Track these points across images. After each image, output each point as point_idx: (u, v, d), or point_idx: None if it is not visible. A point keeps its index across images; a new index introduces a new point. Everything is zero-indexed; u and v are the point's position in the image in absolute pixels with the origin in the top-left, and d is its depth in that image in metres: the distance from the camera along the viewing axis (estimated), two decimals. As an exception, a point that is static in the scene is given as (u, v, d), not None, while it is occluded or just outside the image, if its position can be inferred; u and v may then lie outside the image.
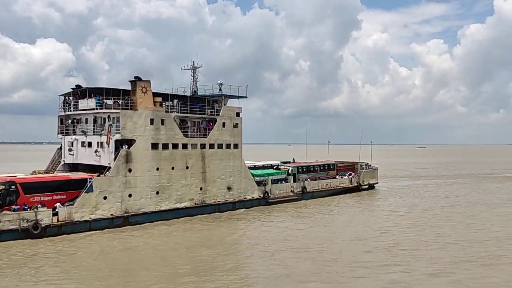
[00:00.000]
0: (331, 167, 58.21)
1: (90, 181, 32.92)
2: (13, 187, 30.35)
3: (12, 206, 29.68)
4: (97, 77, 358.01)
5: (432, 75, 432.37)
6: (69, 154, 38.24)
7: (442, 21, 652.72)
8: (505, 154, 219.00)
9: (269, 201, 45.84)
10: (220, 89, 43.96)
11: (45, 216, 29.90)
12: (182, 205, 38.50)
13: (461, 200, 50.91)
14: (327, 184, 53.92)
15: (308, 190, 50.41)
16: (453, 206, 46.42)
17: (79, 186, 33.09)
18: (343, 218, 39.45)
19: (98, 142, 36.03)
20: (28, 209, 29.69)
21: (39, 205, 30.36)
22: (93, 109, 36.50)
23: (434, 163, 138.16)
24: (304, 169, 53.88)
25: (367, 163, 63.24)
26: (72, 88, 39.06)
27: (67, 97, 39.47)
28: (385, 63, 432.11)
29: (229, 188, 42.51)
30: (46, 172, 37.96)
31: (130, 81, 36.40)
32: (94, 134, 36.68)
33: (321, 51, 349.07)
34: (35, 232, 29.13)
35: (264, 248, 28.24)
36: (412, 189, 63.17)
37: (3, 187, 30.02)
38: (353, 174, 59.30)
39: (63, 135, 39.20)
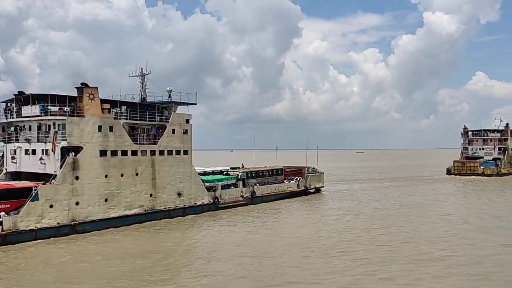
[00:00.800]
0: (279, 172, 59.74)
1: (35, 190, 32.23)
2: (-48, 197, 29.24)
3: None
4: (27, 81, 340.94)
5: (369, 83, 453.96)
6: (12, 162, 37.14)
7: (377, 31, 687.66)
8: (434, 158, 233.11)
9: (219, 206, 46.50)
10: (170, 96, 44.29)
11: (-13, 226, 29.02)
12: (132, 212, 38.39)
13: (396, 202, 53.71)
14: (275, 189, 55.33)
15: (257, 195, 51.54)
16: (388, 208, 48.75)
17: (24, 194, 32.30)
18: (288, 222, 40.61)
19: (43, 150, 35.29)
20: (-31, 220, 28.72)
21: (-19, 215, 29.40)
22: (38, 116, 35.73)
23: (373, 167, 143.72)
24: (253, 174, 55.01)
25: (314, 168, 65.37)
26: (14, 95, 38.04)
27: (9, 104, 38.32)
28: (325, 70, 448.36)
29: (179, 194, 42.80)
30: (-13, 181, 36.63)
31: (76, 88, 35.99)
32: (38, 142, 35.88)
33: (263, 58, 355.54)
34: (-24, 243, 28.23)
35: (205, 255, 28.38)
36: (355, 192, 66.00)
37: None
38: (300, 178, 61.14)
39: (5, 143, 37.99)
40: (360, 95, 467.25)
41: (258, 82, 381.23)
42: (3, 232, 29.95)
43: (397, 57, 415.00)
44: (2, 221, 30.04)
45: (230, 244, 31.46)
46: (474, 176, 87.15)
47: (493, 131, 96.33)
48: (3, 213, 30.55)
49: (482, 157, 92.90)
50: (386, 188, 71.42)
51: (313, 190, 62.56)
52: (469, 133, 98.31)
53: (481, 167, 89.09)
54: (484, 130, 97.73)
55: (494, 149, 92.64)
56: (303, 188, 60.02)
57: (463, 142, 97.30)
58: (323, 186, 65.37)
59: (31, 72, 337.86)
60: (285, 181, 58.83)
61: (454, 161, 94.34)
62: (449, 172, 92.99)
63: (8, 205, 31.73)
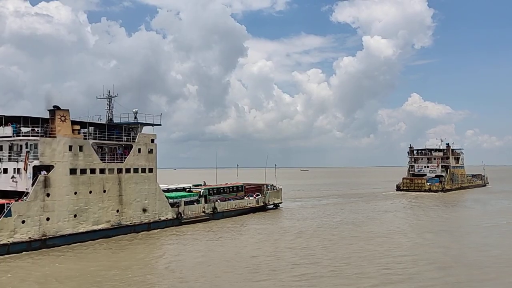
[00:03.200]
0: (240, 188, 63.09)
1: (8, 206, 34.09)
2: None
3: None
4: None
5: (312, 102, 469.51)
6: (-17, 180, 38.65)
7: (320, 52, 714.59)
8: (378, 175, 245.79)
9: (182, 221, 49.19)
10: (135, 117, 47.04)
11: (-38, 241, 30.70)
12: (99, 227, 40.58)
13: (341, 218, 57.55)
14: (236, 205, 58.56)
15: (218, 210, 54.57)
16: (341, 224, 52.36)
17: (-4, 211, 34.08)
18: (244, 240, 41.63)
19: (14, 169, 37.19)
20: None
21: (-44, 231, 31.02)
22: (10, 136, 37.70)
23: (322, 184, 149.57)
24: (215, 191, 58.08)
25: (272, 185, 69.18)
26: (-15, 116, 39.73)
27: (-20, 125, 39.96)
28: (269, 89, 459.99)
29: (144, 210, 45.29)
30: (-42, 199, 37.92)
31: (49, 110, 38.27)
32: (10, 161, 37.74)
33: (209, 76, 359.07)
34: (-48, 257, 29.86)
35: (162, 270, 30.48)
36: (309, 208, 69.50)
37: None
38: (259, 195, 64.65)
39: (-25, 162, 39.47)
40: (304, 114, 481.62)
41: (204, 100, 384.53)
42: (-23, 247, 31.64)
43: (338, 78, 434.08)
44: (-24, 236, 31.70)
45: (188, 260, 33.22)
46: (421, 192, 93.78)
47: (436, 150, 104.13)
48: (-23, 228, 32.20)
49: (426, 175, 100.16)
50: (342, 204, 75.58)
51: (272, 206, 66.15)
52: (414, 151, 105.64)
53: (428, 184, 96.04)
54: (428, 149, 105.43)
55: (437, 166, 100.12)
56: (262, 204, 63.52)
57: (410, 160, 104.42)
58: (281, 202, 69.10)
59: None
60: (245, 197, 62.17)
61: (403, 178, 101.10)
62: (398, 188, 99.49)
63: (-19, 221, 33.37)
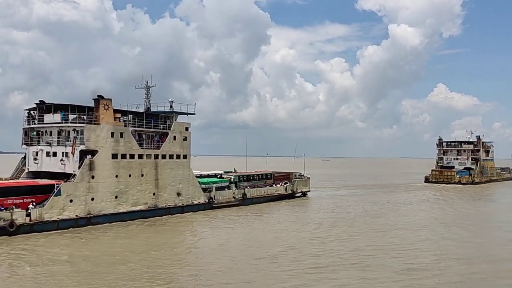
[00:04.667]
0: (269, 176, 65.37)
1: (57, 186, 37.50)
2: (-11, 191, 34.42)
3: (-11, 208, 33.79)
4: None
5: (334, 92, 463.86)
6: (34, 162, 42.26)
7: (344, 41, 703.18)
8: (403, 167, 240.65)
9: (214, 205, 51.90)
10: (171, 106, 49.82)
11: (19, 216, 34.33)
12: (138, 208, 43.71)
13: (367, 209, 58.74)
14: (264, 192, 60.89)
15: (248, 197, 57.04)
16: (368, 215, 53.52)
17: (46, 190, 37.55)
18: (272, 224, 44.01)
19: (63, 152, 40.57)
20: (4, 210, 33.91)
21: (14, 207, 34.59)
22: (59, 123, 41.09)
23: (341, 174, 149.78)
24: (245, 178, 60.56)
25: (301, 173, 71.12)
26: (36, 103, 43.21)
27: (32, 112, 43.54)
28: (291, 78, 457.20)
29: (178, 194, 48.18)
30: (12, 179, 41.78)
31: (93, 99, 41.44)
32: (59, 145, 41.15)
33: (232, 64, 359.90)
34: (11, 230, 33.46)
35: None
36: (341, 198, 71.18)
37: (-20, 191, 34.01)
38: (288, 182, 66.74)
39: (27, 146, 43.14)
40: (326, 103, 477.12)
41: (226, 88, 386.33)
42: (31, 222, 35.19)
43: (362, 67, 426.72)
44: (30, 213, 35.23)
45: (211, 243, 34.78)
46: (451, 184, 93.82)
47: (466, 142, 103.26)
48: (31, 205, 35.71)
49: (454, 167, 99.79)
50: (372, 195, 76.24)
51: (300, 194, 68.16)
52: (443, 144, 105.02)
53: (457, 176, 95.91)
54: (458, 141, 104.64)
55: (467, 159, 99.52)
56: (290, 191, 65.60)
57: (438, 152, 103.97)
58: (309, 191, 71.03)
59: None
60: (273, 185, 64.42)
61: (432, 170, 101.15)
62: (427, 180, 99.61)
63: (34, 199, 36.89)
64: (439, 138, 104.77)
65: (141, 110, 48.63)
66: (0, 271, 25.52)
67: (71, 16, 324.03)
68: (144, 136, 46.55)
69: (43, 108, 42.59)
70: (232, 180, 57.80)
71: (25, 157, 43.63)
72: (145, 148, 45.49)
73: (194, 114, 51.69)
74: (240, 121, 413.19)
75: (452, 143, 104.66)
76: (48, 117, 41.92)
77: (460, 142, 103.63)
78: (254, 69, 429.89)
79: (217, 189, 53.80)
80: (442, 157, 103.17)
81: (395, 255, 31.07)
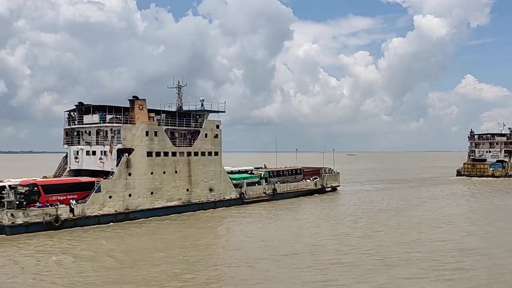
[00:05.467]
0: (298, 171, 66.19)
1: (97, 183, 39.55)
2: (35, 188, 36.70)
3: (36, 204, 36.04)
4: (17, 83, 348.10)
5: (359, 85, 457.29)
6: (75, 161, 44.54)
7: (368, 34, 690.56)
8: (431, 160, 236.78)
9: (245, 201, 53.18)
10: (202, 105, 51.34)
11: (63, 212, 36.53)
12: (172, 203, 45.44)
13: (401, 203, 58.81)
14: (294, 187, 61.78)
15: (278, 192, 58.07)
16: (395, 210, 53.73)
17: (87, 187, 39.63)
18: (301, 218, 45.04)
19: (101, 151, 42.64)
20: (50, 206, 36.13)
21: (58, 203, 36.79)
22: (97, 123, 43.19)
23: (375, 169, 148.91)
24: (275, 174, 61.60)
25: (330, 168, 71.61)
26: (75, 105, 45.43)
27: (71, 113, 45.83)
28: (315, 73, 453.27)
29: (210, 190, 49.68)
30: (55, 177, 44.19)
31: (129, 100, 43.39)
32: (97, 144, 43.25)
33: (255, 60, 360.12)
34: (56, 224, 35.67)
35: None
36: (366, 193, 71.40)
37: (28, 188, 36.34)
38: (318, 177, 67.38)
39: (68, 145, 45.47)
40: (350, 97, 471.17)
41: (250, 84, 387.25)
42: (74, 217, 37.35)
43: (387, 60, 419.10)
44: (73, 208, 37.37)
45: (241, 237, 36.24)
46: (483, 177, 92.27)
47: (498, 135, 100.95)
48: (74, 201, 37.85)
49: (486, 160, 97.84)
50: (402, 189, 76.02)
51: (330, 188, 68.69)
52: (475, 136, 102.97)
53: (490, 169, 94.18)
54: (490, 134, 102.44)
55: (500, 152, 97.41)
56: (320, 186, 66.24)
57: (470, 145, 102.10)
58: (339, 185, 71.49)
59: (21, 74, 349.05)
60: (303, 180, 65.21)
61: (464, 163, 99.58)
62: (459, 173, 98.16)
63: (76, 196, 39.00)
64: (470, 130, 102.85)
65: (174, 109, 50.38)
66: (47, 263, 27.43)
67: (96, 17, 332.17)
68: (176, 134, 48.21)
69: (82, 109, 44.78)
70: (262, 175, 58.94)
71: (66, 156, 45.97)
72: (178, 146, 47.15)
73: (224, 112, 53.19)
74: (264, 117, 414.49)
75: (484, 136, 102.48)
76: (87, 118, 44.09)
77: (493, 135, 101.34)
78: (277, 65, 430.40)
79: (248, 184, 55.03)
80: (474, 150, 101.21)
81: (423, 250, 30.41)
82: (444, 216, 45.81)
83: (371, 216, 45.38)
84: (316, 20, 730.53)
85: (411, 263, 27.34)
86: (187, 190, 47.26)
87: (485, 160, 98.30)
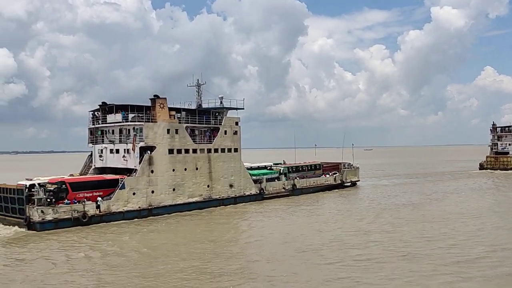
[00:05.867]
0: (317, 167, 66.59)
1: (122, 181, 40.86)
2: (63, 186, 38.21)
3: (64, 201, 37.53)
4: (38, 84, 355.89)
5: (375, 80, 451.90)
6: (100, 159, 45.99)
7: (384, 27, 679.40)
8: (451, 154, 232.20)
9: (264, 196, 53.91)
10: (221, 102, 52.21)
11: (90, 208, 37.96)
12: (194, 199, 46.52)
13: (436, 196, 59.12)
14: (314, 182, 62.24)
15: (297, 187, 58.63)
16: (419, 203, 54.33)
17: (112, 185, 40.98)
18: (321, 213, 45.69)
19: (124, 149, 43.92)
20: (77, 203, 37.58)
21: (85, 200, 38.21)
22: (120, 122, 44.50)
23: (388, 164, 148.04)
24: (294, 169, 62.15)
25: (350, 163, 71.74)
26: (99, 105, 46.87)
27: (95, 113, 47.29)
28: (330, 68, 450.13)
29: (231, 186, 50.58)
30: (81, 175, 45.74)
31: (150, 99, 44.61)
32: (120, 143, 44.55)
33: (269, 57, 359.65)
34: (83, 220, 37.09)
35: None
36: (386, 188, 71.39)
37: (56, 186, 37.85)
38: (337, 172, 67.64)
39: (93, 144, 46.96)
40: (367, 92, 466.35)
41: (264, 81, 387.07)
42: (100, 213, 38.74)
43: (404, 53, 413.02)
44: (99, 205, 38.75)
45: (268, 230, 37.59)
46: (507, 171, 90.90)
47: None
48: (99, 198, 39.24)
49: (508, 152, 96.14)
50: (423, 183, 75.57)
51: (349, 183, 68.88)
52: (498, 129, 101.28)
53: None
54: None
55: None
56: (340, 181, 66.52)
57: (492, 138, 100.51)
58: (358, 180, 71.62)
59: (41, 75, 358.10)
60: (322, 175, 65.57)
61: (487, 157, 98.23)
62: (482, 167, 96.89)
63: (101, 193, 40.40)
64: (492, 123, 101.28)
65: (193, 107, 51.40)
66: (77, 258, 28.72)
67: (113, 18, 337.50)
68: (197, 131, 49.22)
69: (106, 109, 46.15)
70: (281, 171, 59.57)
71: (91, 155, 47.45)
72: (199, 143, 48.16)
73: (243, 108, 53.94)
74: (280, 113, 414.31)
75: (507, 128, 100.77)
76: (110, 117, 45.46)
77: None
78: (292, 61, 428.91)
79: (268, 180, 55.74)
80: (497, 143, 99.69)
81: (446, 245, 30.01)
82: (470, 210, 45.22)
83: (393, 210, 45.26)
84: (331, 14, 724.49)
85: (436, 257, 26.87)
86: (208, 186, 48.26)
87: (507, 153, 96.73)
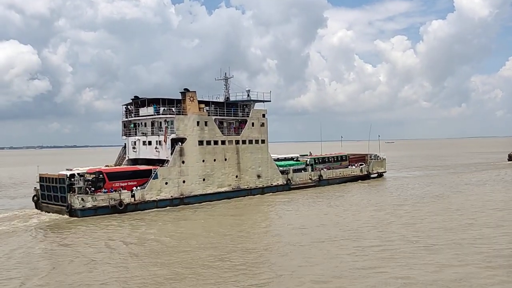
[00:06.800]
0: (344, 158, 67.29)
1: (155, 171, 42.83)
2: (101, 176, 40.45)
3: (102, 190, 39.78)
4: (61, 80, 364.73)
5: (396, 71, 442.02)
6: (133, 151, 48.17)
7: (405, 17, 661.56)
8: (479, 146, 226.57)
9: (291, 187, 55.14)
10: (248, 95, 53.59)
11: (126, 197, 40.09)
12: (223, 189, 48.20)
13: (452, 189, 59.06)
14: (340, 173, 63.04)
15: (324, 178, 59.58)
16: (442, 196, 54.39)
17: (146, 175, 43.00)
18: (347, 203, 46.60)
19: (157, 141, 45.90)
20: (114, 192, 39.78)
21: (121, 189, 40.37)
22: (152, 115, 46.48)
23: (412, 156, 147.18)
24: (320, 160, 63.07)
25: (376, 155, 72.07)
26: (131, 99, 49.02)
27: (128, 107, 49.46)
28: (350, 60, 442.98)
29: (258, 176, 52.02)
30: (116, 165, 48.03)
31: (180, 92, 46.39)
32: (153, 135, 46.55)
33: (288, 50, 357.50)
34: (120, 208, 39.23)
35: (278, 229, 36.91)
36: (415, 179, 71.63)
37: (94, 176, 40.13)
38: (364, 164, 68.17)
39: (126, 137, 49.17)
40: (388, 84, 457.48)
41: (284, 74, 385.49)
42: (136, 202, 40.84)
43: (426, 44, 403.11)
44: (134, 194, 40.86)
45: (295, 220, 39.28)
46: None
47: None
48: (135, 187, 41.36)
49: None
50: (453, 175, 75.32)
51: (376, 175, 69.31)
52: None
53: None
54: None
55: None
56: (366, 173, 67.04)
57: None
58: (385, 172, 71.91)
59: (63, 71, 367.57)
60: (349, 167, 66.25)
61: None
62: (510, 158, 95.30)
63: (135, 182, 42.49)
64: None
65: (221, 100, 52.96)
66: (116, 244, 30.72)
67: (132, 14, 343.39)
68: (225, 123, 50.80)
69: (138, 102, 48.23)
70: (308, 162, 60.60)
71: (125, 147, 49.69)
72: (227, 135, 49.73)
73: (270, 101, 55.15)
74: (299, 107, 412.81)
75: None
76: (142, 110, 47.52)
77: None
78: (311, 54, 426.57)
79: (294, 171, 56.90)
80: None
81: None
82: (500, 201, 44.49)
83: (423, 201, 44.98)
84: (351, 6, 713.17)
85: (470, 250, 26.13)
86: (236, 176, 49.82)
87: None
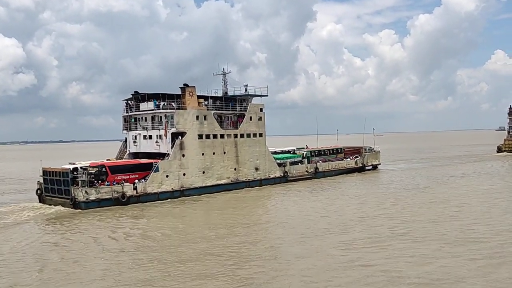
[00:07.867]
0: (339, 151, 68.70)
1: (156, 164, 43.94)
2: (103, 169, 41.52)
3: (105, 183, 40.87)
4: (46, 74, 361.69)
5: (384, 65, 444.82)
6: (134, 145, 49.20)
7: (393, 11, 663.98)
8: (454, 140, 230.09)
9: (288, 179, 56.43)
10: (246, 90, 54.62)
11: (128, 189, 41.23)
12: (222, 181, 49.41)
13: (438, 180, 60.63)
14: (335, 165, 64.40)
15: (320, 170, 60.93)
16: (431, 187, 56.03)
17: (147, 168, 44.09)
18: (342, 195, 48.53)
19: (157, 135, 46.93)
20: (117, 184, 40.88)
21: (123, 181, 41.47)
22: (152, 109, 47.50)
23: (401, 149, 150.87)
24: (316, 153, 64.40)
25: (371, 147, 73.49)
26: (132, 94, 49.94)
27: (129, 101, 50.41)
28: (339, 54, 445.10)
29: (256, 169, 53.26)
30: (117, 159, 49.08)
31: (180, 87, 47.36)
32: (153, 129, 47.59)
33: (278, 43, 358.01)
34: (122, 200, 40.37)
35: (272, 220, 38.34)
36: (407, 171, 73.16)
37: (97, 169, 41.20)
38: (358, 156, 69.56)
39: (127, 131, 50.18)
40: (376, 78, 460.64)
41: (273, 68, 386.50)
42: (138, 194, 41.99)
43: (413, 38, 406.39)
44: (136, 186, 41.99)
45: (292, 211, 40.37)
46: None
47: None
48: (137, 180, 42.47)
49: None
50: (444, 167, 76.89)
51: (370, 167, 70.75)
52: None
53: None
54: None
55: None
56: (361, 165, 68.46)
57: (510, 122, 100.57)
58: (379, 164, 73.39)
59: (49, 65, 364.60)
60: (344, 159, 67.62)
61: (505, 140, 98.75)
62: (499, 150, 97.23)
63: (137, 175, 43.58)
64: (510, 106, 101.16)
65: (220, 94, 54.02)
66: (118, 235, 31.89)
67: (119, 6, 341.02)
68: (223, 117, 51.90)
69: (138, 97, 49.20)
70: (304, 155, 61.88)
71: (125, 141, 50.71)
72: (226, 129, 50.87)
73: (267, 95, 56.22)
74: (289, 100, 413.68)
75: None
76: (143, 105, 48.52)
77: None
78: (300, 47, 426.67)
79: (291, 164, 58.18)
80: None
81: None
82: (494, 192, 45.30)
83: (415, 193, 45.98)
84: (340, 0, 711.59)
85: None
86: (235, 169, 51.03)
87: None
